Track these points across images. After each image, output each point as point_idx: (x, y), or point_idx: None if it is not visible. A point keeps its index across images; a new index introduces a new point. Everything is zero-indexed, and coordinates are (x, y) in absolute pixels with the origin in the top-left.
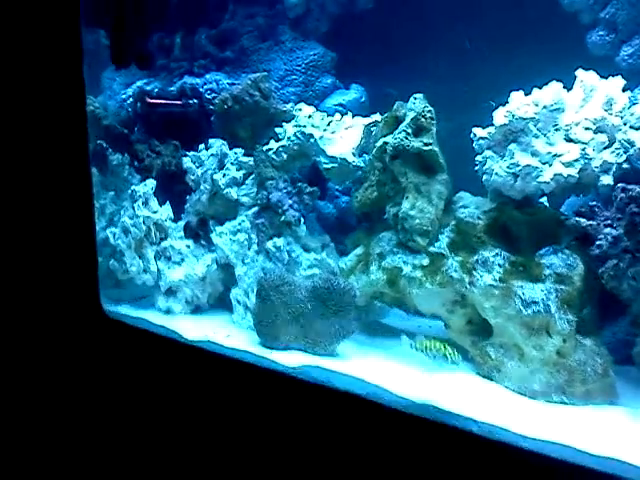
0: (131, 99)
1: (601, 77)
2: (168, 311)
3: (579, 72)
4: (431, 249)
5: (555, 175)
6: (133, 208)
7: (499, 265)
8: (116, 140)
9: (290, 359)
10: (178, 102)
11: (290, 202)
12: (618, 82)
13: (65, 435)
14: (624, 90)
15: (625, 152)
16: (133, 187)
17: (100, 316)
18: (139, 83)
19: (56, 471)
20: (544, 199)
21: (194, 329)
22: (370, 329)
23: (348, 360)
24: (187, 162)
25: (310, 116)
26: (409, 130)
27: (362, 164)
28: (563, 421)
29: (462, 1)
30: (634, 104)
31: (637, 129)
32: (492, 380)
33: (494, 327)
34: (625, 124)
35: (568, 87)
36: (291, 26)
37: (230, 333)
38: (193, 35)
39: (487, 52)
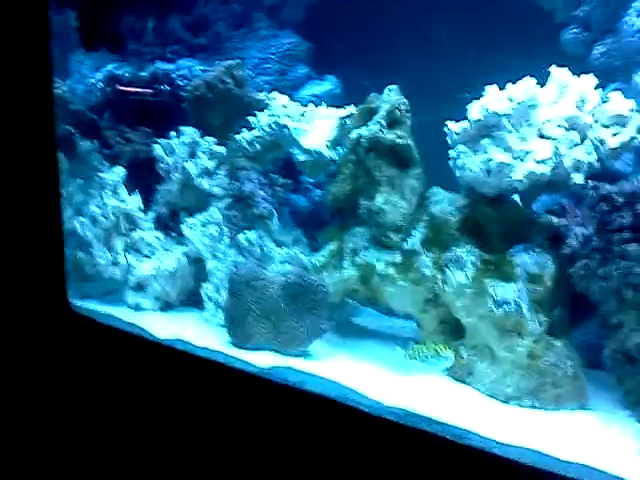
0: (101, 84)
1: (574, 75)
2: (137, 307)
3: (553, 69)
4: (404, 246)
5: (528, 172)
6: (101, 197)
7: (471, 263)
8: (85, 126)
9: (262, 359)
10: (149, 90)
11: (263, 194)
12: (590, 80)
13: (28, 434)
14: (596, 88)
15: (596, 150)
16: (101, 174)
17: (67, 312)
18: (109, 67)
19: (19, 470)
20: (516, 196)
21: (164, 326)
22: (342, 329)
23: (321, 361)
24: (158, 150)
25: (285, 106)
26: (383, 122)
27: (336, 157)
28: (534, 425)
29: None
30: (605, 102)
31: (608, 127)
32: (464, 382)
33: (466, 327)
34: (596, 122)
35: (542, 84)
36: (267, 14)
37: (200, 331)
38: (166, 20)
39: (462, 46)
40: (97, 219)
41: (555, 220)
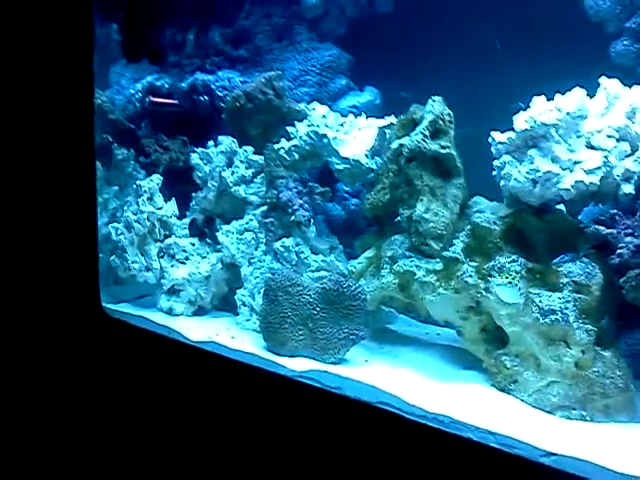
0: (139, 94)
1: (624, 86)
2: (170, 311)
3: (603, 79)
4: (445, 254)
5: (576, 182)
6: (137, 203)
7: (516, 272)
8: (122, 135)
9: (298, 365)
10: (187, 101)
11: (300, 202)
12: None
13: (64, 435)
14: None
15: None
16: (138, 182)
17: (100, 314)
18: (149, 78)
19: (56, 470)
20: (561, 206)
21: (197, 330)
22: (378, 335)
23: (358, 367)
24: (195, 158)
25: (324, 116)
26: (426, 132)
27: (375, 166)
28: (584, 437)
29: (484, 6)
30: None
31: None
32: (508, 392)
33: (510, 336)
34: None
35: (591, 95)
36: (308, 27)
37: (235, 335)
38: (207, 32)
39: (509, 57)
40: (132, 225)
41: (603, 230)
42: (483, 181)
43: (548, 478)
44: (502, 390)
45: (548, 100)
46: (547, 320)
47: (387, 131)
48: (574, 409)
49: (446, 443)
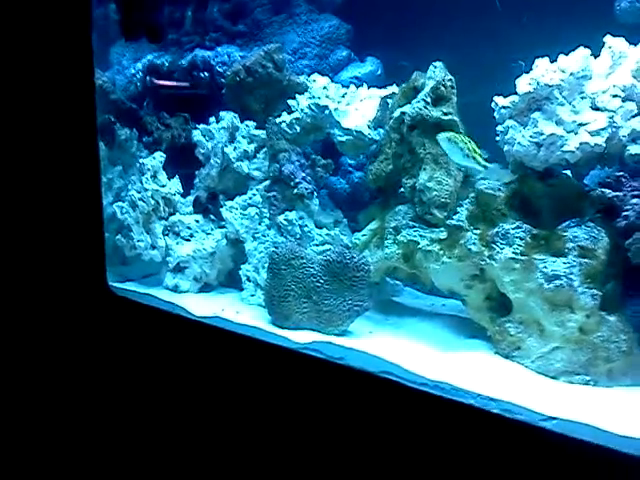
0: (140, 73)
1: (630, 44)
2: (176, 288)
3: (607, 38)
4: (449, 222)
5: (581, 144)
6: (141, 182)
7: (520, 238)
8: (124, 115)
9: (302, 337)
10: (186, 83)
11: (303, 175)
12: None
13: (72, 411)
14: None
15: None
16: (141, 160)
17: (106, 293)
18: (149, 57)
19: (64, 445)
20: (567, 172)
21: (202, 306)
22: (383, 307)
23: (362, 338)
24: (197, 135)
25: (325, 87)
26: (428, 99)
27: (377, 137)
28: (587, 401)
29: None
30: None
31: None
32: (511, 359)
33: (514, 302)
34: None
35: (595, 55)
36: None
37: (240, 310)
38: (205, 9)
39: (511, 18)
40: (137, 203)
41: (609, 193)
42: (488, 149)
43: (549, 442)
44: (506, 357)
45: (551, 62)
46: (551, 285)
47: (389, 101)
48: (577, 374)
49: (448, 410)
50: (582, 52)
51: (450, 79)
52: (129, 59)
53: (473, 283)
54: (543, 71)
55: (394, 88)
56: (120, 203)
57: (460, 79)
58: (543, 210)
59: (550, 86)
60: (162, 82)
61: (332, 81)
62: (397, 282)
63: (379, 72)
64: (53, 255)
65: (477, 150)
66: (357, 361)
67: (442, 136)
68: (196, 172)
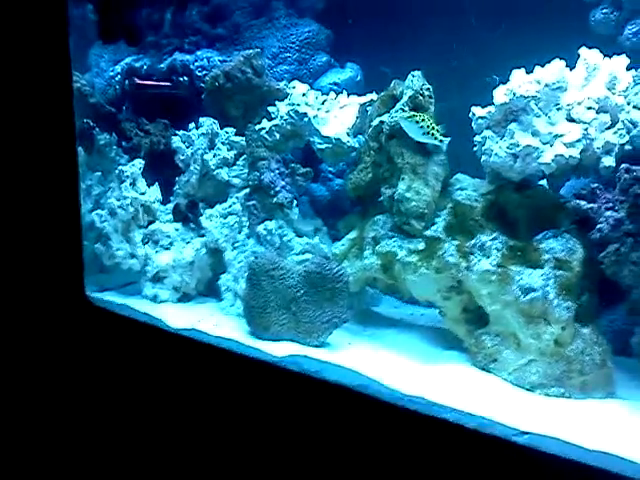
0: (119, 77)
1: (605, 56)
2: (155, 298)
3: (582, 50)
4: (427, 233)
5: (556, 156)
6: (120, 189)
7: (497, 249)
8: (103, 119)
9: (281, 349)
10: (167, 83)
11: (283, 183)
12: (622, 61)
13: (49, 423)
14: (628, 69)
15: (628, 133)
16: (120, 167)
17: (84, 303)
18: (128, 60)
19: (41, 457)
20: (544, 181)
21: (181, 317)
22: (362, 317)
23: (340, 350)
24: (177, 141)
25: (304, 94)
26: (406, 109)
27: (357, 145)
28: (560, 415)
29: None
30: (638, 84)
31: None
32: (488, 371)
33: (490, 315)
34: (629, 104)
35: (571, 66)
36: (286, 3)
37: (218, 321)
38: (184, 11)
39: (488, 29)
40: (115, 211)
41: (584, 204)
42: (467, 154)
43: (521, 457)
44: (483, 369)
45: (528, 73)
46: (527, 298)
47: (368, 108)
48: (553, 386)
49: (424, 425)
50: (558, 64)
51: (428, 88)
52: (108, 61)
53: (450, 295)
54: (519, 82)
55: (373, 95)
56: (99, 211)
57: (440, 85)
58: (520, 221)
59: (526, 97)
60: (143, 82)
61: (312, 87)
62: (376, 291)
63: (359, 78)
64: (30, 264)
65: (435, 126)
66: (334, 374)
67: (401, 115)
68: (176, 179)
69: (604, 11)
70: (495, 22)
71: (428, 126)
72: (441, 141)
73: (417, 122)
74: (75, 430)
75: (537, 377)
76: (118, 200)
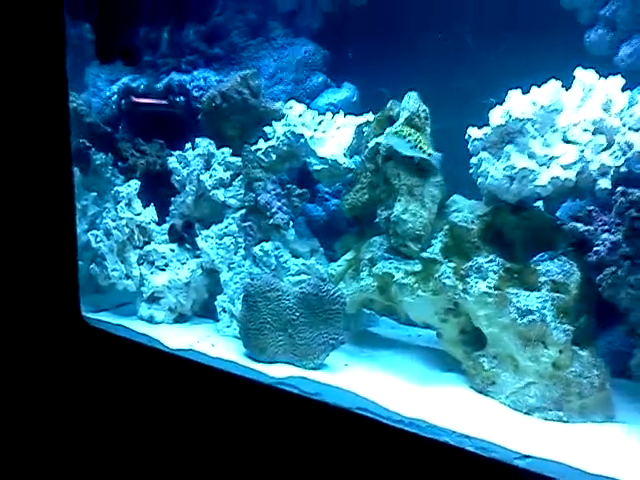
0: (116, 96)
1: (600, 77)
2: (151, 319)
3: (578, 71)
4: (424, 255)
5: (552, 178)
6: (116, 210)
7: (494, 272)
8: (99, 138)
9: (278, 371)
10: (164, 102)
11: (279, 204)
12: (617, 82)
13: (44, 443)
14: (623, 90)
15: (624, 155)
16: (116, 188)
17: (80, 323)
18: (124, 79)
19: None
20: (540, 203)
21: (177, 338)
22: (359, 339)
23: (337, 372)
24: (173, 162)
25: (301, 115)
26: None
27: (353, 165)
28: (560, 438)
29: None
30: (633, 105)
31: (636, 131)
32: (486, 394)
33: (488, 337)
34: (624, 125)
35: (567, 86)
36: (282, 22)
37: (215, 342)
38: (181, 31)
39: (484, 50)
40: (111, 232)
41: (581, 227)
42: (465, 174)
43: None
44: (480, 392)
45: (524, 93)
46: (525, 320)
47: (365, 129)
48: (551, 410)
49: (423, 448)
50: (554, 84)
51: (424, 110)
52: (104, 80)
53: (447, 317)
54: (515, 104)
55: (370, 116)
56: (94, 231)
57: (437, 106)
58: (516, 242)
59: (522, 120)
60: (140, 100)
61: (308, 107)
62: (373, 312)
63: (355, 98)
64: (26, 284)
65: (423, 140)
66: (332, 397)
67: (389, 130)
68: (172, 199)
69: (599, 32)
70: (492, 43)
71: (416, 140)
72: (430, 154)
73: (404, 137)
74: (71, 451)
75: (535, 400)
76: (114, 221)
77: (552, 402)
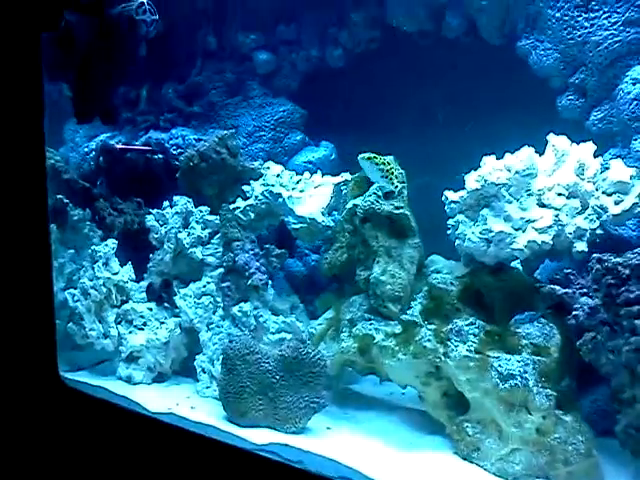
0: (94, 152)
1: (572, 141)
2: (129, 379)
3: (551, 137)
4: (404, 317)
5: (529, 242)
6: (93, 269)
7: (474, 335)
8: (77, 194)
9: (258, 436)
10: (141, 160)
11: (257, 264)
12: (589, 147)
13: None
14: (595, 154)
15: (598, 218)
16: (93, 247)
17: (58, 384)
18: (103, 137)
19: None
20: (517, 262)
21: (157, 400)
22: (341, 398)
23: (319, 437)
24: (151, 220)
25: (278, 175)
26: (379, 193)
27: (332, 223)
28: None
29: (433, 64)
30: (606, 169)
31: (609, 195)
32: (471, 460)
33: (471, 402)
34: (597, 189)
35: (540, 151)
36: (261, 82)
37: (195, 404)
38: (160, 89)
39: (459, 115)
40: (88, 291)
41: (559, 289)
42: (442, 232)
43: None
44: (465, 459)
45: (498, 159)
46: (507, 385)
47: (343, 188)
48: (537, 477)
49: None
50: (527, 151)
51: (401, 172)
52: (83, 136)
53: (429, 380)
54: (490, 169)
55: (347, 175)
56: (72, 290)
57: (414, 163)
58: (496, 304)
59: (497, 184)
60: (123, 146)
61: (286, 166)
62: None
63: (333, 156)
64: (2, 344)
65: (394, 172)
66: (315, 465)
67: (362, 156)
68: (150, 256)
69: (570, 97)
70: (465, 116)
71: (387, 170)
72: (396, 187)
73: (377, 164)
74: None
75: (521, 467)
76: (91, 280)
77: (538, 469)
